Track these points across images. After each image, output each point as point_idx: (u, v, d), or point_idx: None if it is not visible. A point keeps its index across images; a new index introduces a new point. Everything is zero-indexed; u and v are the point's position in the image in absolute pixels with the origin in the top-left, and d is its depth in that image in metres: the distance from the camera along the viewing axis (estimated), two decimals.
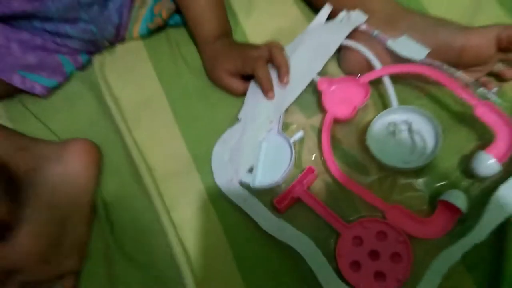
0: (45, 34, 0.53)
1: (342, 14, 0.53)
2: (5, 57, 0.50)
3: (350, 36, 0.51)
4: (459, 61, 0.46)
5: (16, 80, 0.52)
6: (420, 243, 0.41)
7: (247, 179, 0.47)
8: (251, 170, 0.48)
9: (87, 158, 0.48)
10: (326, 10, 0.55)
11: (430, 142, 0.45)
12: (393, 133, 0.46)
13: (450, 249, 0.39)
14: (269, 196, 0.46)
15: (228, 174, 0.48)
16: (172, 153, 0.51)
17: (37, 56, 0.53)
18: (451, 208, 0.40)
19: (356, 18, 0.51)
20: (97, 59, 0.58)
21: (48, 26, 0.52)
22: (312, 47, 0.51)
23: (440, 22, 0.48)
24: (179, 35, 0.59)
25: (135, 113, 0.54)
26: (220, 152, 0.50)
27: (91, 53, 0.58)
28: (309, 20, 0.57)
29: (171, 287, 0.45)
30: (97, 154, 0.50)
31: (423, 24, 0.48)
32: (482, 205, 0.40)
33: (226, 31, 0.56)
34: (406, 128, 0.46)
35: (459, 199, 0.40)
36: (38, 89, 0.54)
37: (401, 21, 0.49)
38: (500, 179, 0.41)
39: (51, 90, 0.56)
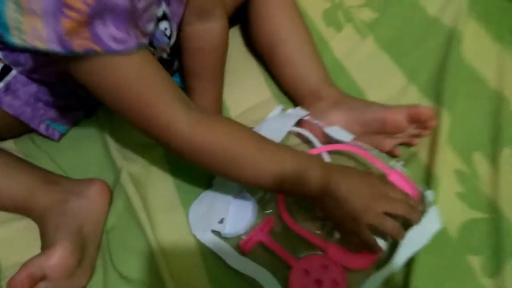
0: (71, 97, 0.63)
1: (290, 111, 0.68)
2: (36, 110, 0.61)
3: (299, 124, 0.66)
4: (383, 130, 0.61)
5: (42, 128, 0.62)
6: (353, 272, 0.53)
7: (218, 228, 0.58)
8: (221, 221, 0.58)
9: (104, 196, 0.59)
10: (278, 109, 0.70)
11: None
12: None
13: (374, 276, 0.51)
14: (236, 240, 0.57)
15: (202, 225, 0.59)
16: (162, 190, 0.62)
17: (60, 113, 0.63)
18: None
19: (300, 112, 0.67)
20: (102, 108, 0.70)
21: (81, 91, 0.63)
22: (269, 131, 0.63)
23: (370, 104, 0.65)
24: None
25: (132, 153, 0.65)
26: (196, 209, 0.60)
27: None
28: (277, 98, 0.72)
29: None
30: (110, 193, 0.60)
31: (359, 105, 0.64)
32: (396, 245, 0.53)
33: None
34: None
35: (380, 241, 0.53)
36: (56, 135, 0.65)
37: (344, 104, 0.64)
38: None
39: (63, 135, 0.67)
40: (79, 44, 0.39)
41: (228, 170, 0.50)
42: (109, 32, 0.40)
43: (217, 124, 0.49)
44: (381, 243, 0.52)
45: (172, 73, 0.71)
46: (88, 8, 0.38)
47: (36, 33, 0.38)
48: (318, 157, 0.54)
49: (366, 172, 0.57)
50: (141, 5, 0.47)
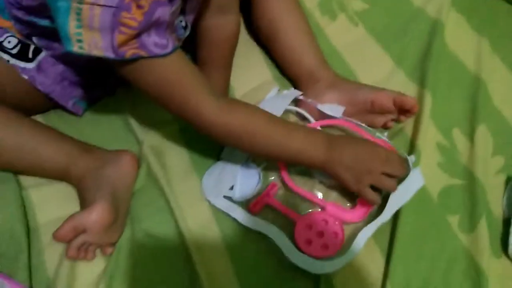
0: (94, 77, 0.69)
1: (285, 91, 0.74)
2: (65, 89, 0.67)
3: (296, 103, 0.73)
4: (372, 110, 0.68)
5: (70, 105, 0.69)
6: (349, 225, 0.61)
7: (229, 194, 0.65)
8: (231, 188, 0.66)
9: (133, 165, 0.65)
10: (275, 90, 0.76)
11: None
12: None
13: (367, 227, 0.59)
14: (245, 204, 0.64)
15: (214, 192, 0.66)
16: (178, 160, 0.69)
17: (84, 91, 0.70)
18: (367, 203, 0.61)
19: (294, 92, 0.73)
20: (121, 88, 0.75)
21: (104, 72, 0.68)
22: (268, 110, 0.67)
23: (361, 86, 0.72)
24: None
25: (149, 129, 0.71)
26: (208, 179, 0.67)
27: None
28: (277, 80, 0.78)
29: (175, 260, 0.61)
30: (138, 163, 0.66)
31: (352, 87, 0.71)
32: (385, 200, 0.61)
33: None
34: None
35: None
36: (80, 111, 0.71)
37: (338, 86, 0.71)
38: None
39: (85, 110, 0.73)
40: (129, 52, 0.47)
41: (247, 146, 0.58)
42: (153, 40, 0.48)
43: (240, 110, 0.57)
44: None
45: None
46: (138, 25, 0.46)
47: (94, 44, 0.46)
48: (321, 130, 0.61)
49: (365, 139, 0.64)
50: (173, 9, 0.55)
